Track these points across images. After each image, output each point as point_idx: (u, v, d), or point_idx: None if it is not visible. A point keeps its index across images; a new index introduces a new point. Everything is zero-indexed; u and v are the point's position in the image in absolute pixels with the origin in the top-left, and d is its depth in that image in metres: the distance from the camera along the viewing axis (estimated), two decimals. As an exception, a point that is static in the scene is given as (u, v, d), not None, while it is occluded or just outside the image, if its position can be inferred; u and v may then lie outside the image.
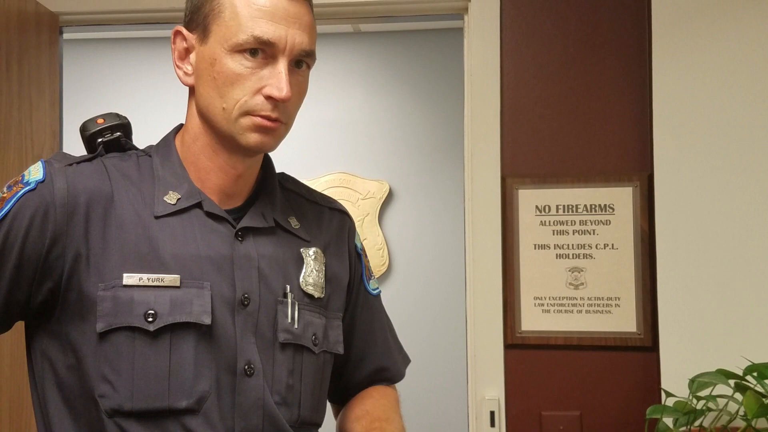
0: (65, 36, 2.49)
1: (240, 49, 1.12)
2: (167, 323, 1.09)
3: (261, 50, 1.12)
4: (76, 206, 1.11)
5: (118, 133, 1.22)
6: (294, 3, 1.14)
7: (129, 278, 1.10)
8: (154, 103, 3.78)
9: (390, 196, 3.82)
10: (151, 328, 1.09)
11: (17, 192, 1.11)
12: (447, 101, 3.82)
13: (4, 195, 1.12)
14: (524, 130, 2.22)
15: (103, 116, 1.23)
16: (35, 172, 1.13)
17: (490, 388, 2.18)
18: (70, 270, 1.10)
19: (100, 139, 1.21)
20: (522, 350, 2.18)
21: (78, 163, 1.16)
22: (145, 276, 1.10)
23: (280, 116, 1.14)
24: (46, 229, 1.10)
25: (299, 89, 1.17)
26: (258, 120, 1.13)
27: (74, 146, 2.40)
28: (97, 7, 2.42)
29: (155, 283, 1.10)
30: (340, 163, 3.80)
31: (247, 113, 1.13)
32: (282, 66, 1.12)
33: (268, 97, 1.12)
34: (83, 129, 1.22)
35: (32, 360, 1.16)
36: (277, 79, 1.12)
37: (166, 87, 3.90)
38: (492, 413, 2.16)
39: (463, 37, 2.34)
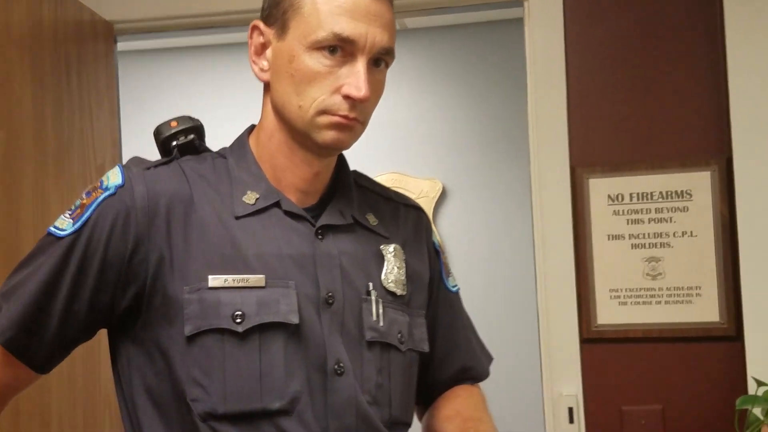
0: (119, 47, 2.54)
1: (319, 46, 1.11)
2: (255, 324, 1.09)
3: (340, 48, 1.11)
4: (156, 209, 1.12)
5: (192, 136, 1.23)
6: (375, 0, 1.13)
7: (214, 280, 1.10)
8: (210, 111, 3.84)
9: (443, 195, 3.81)
10: (240, 329, 1.09)
11: (97, 197, 1.13)
12: (498, 94, 3.79)
13: (84, 201, 1.14)
14: (593, 118, 2.19)
15: (176, 119, 1.24)
16: (114, 177, 1.14)
17: (567, 385, 2.16)
18: (154, 274, 1.11)
19: (174, 143, 1.21)
20: (599, 344, 2.16)
21: (156, 166, 1.18)
22: (230, 277, 1.11)
23: (357, 116, 1.14)
24: (128, 234, 1.11)
25: (377, 88, 1.16)
26: (335, 118, 1.13)
27: (133, 154, 2.44)
28: (150, 13, 2.46)
29: (241, 284, 1.10)
30: (392, 164, 3.81)
31: (324, 112, 1.13)
32: (361, 65, 1.11)
33: (346, 97, 1.12)
34: (157, 133, 1.23)
35: (118, 368, 1.17)
36: (355, 78, 1.11)
37: (221, 94, 3.96)
38: (570, 409, 2.15)
39: (522, 25, 2.32)
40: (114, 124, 2.21)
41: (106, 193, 1.13)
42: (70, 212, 1.14)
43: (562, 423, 2.15)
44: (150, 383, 1.13)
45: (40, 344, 1.13)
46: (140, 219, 1.11)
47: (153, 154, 1.27)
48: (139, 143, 2.60)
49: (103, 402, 1.92)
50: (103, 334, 1.20)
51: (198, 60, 4.11)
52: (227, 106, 3.71)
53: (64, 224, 1.13)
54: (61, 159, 1.79)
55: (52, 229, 1.14)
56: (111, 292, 1.12)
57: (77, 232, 1.11)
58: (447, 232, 3.73)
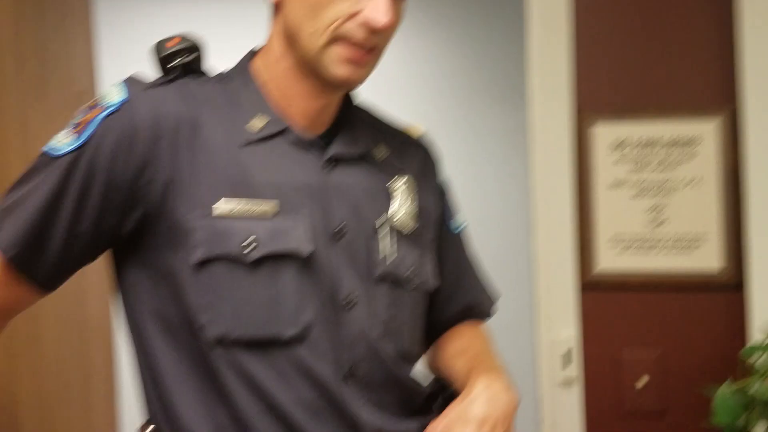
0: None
1: None
2: (267, 253, 1.08)
3: None
4: (162, 130, 1.08)
5: (195, 54, 1.17)
6: None
7: (223, 206, 1.08)
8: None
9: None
10: (251, 258, 1.08)
11: (99, 114, 1.08)
12: (493, 35, 3.68)
13: (85, 117, 1.09)
14: (598, 62, 2.17)
15: (178, 36, 1.18)
16: (116, 94, 1.10)
17: (563, 329, 2.18)
18: (160, 197, 1.08)
19: (175, 61, 1.15)
20: (598, 292, 2.17)
21: (159, 85, 1.13)
22: (239, 204, 1.08)
23: (378, 42, 1.11)
24: (135, 153, 1.07)
25: (398, 19, 1.12)
26: (350, 51, 1.09)
27: (111, 79, 2.39)
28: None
29: (251, 212, 1.09)
30: (377, 106, 3.78)
31: (338, 39, 1.09)
32: None
33: (365, 24, 1.08)
34: (157, 50, 1.16)
35: (123, 292, 1.16)
36: (378, 2, 1.07)
37: (207, 15, 3.78)
38: (566, 354, 2.17)
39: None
40: (89, 49, 2.15)
41: (109, 110, 1.09)
42: (68, 129, 1.11)
43: (557, 368, 2.17)
44: (157, 306, 1.12)
45: (45, 262, 1.11)
46: (146, 139, 1.07)
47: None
48: (117, 70, 2.56)
49: (92, 325, 1.94)
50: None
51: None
52: (214, 27, 3.56)
53: (63, 142, 1.09)
54: (42, 86, 1.76)
55: (49, 148, 1.10)
56: (115, 214, 1.09)
57: (79, 150, 1.08)
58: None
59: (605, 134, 2.14)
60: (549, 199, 2.19)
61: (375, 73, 1.18)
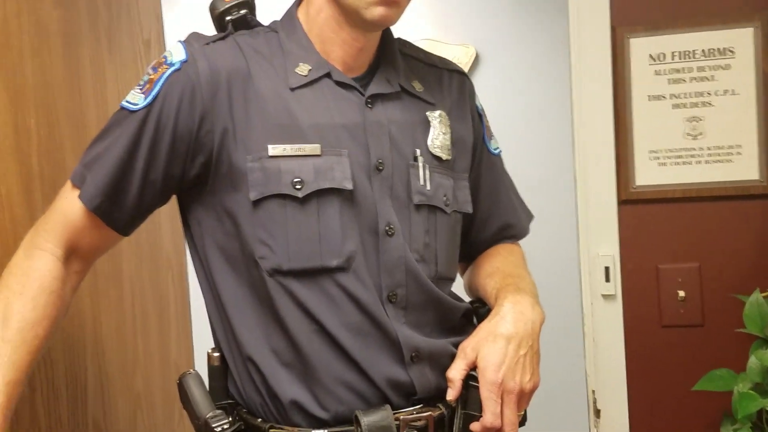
0: None
1: None
2: (313, 190, 1.19)
3: None
4: (218, 83, 1.20)
5: (245, 11, 1.30)
6: None
7: (274, 149, 1.20)
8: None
9: (477, 61, 3.81)
10: (300, 194, 1.19)
11: (164, 73, 1.21)
12: None
13: (152, 76, 1.22)
14: (634, -25, 2.18)
15: None
16: (177, 53, 1.22)
17: (604, 245, 2.25)
18: (219, 144, 1.20)
19: (228, 17, 1.29)
20: (637, 205, 2.22)
21: (214, 41, 1.25)
22: (288, 146, 1.20)
23: None
24: (196, 107, 1.20)
25: None
26: None
27: (177, 29, 2.44)
28: None
29: (298, 153, 1.20)
30: (424, 30, 3.79)
31: None
32: None
33: None
34: (212, 8, 1.30)
35: (190, 229, 1.29)
36: None
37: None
38: (607, 269, 2.24)
39: None
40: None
41: (172, 69, 1.21)
42: (139, 87, 1.23)
43: (599, 282, 2.24)
44: (220, 242, 1.24)
45: (123, 209, 1.24)
46: (205, 93, 1.20)
47: (190, 28, 1.33)
48: (180, 18, 2.63)
49: (165, 263, 2.07)
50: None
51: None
52: None
53: (136, 98, 1.22)
54: (113, 35, 1.84)
55: (125, 103, 1.23)
56: (182, 161, 1.22)
57: (149, 107, 1.20)
58: (481, 97, 3.73)
59: (642, 47, 2.16)
60: (588, 116, 2.23)
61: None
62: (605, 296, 2.24)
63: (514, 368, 1.18)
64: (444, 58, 1.46)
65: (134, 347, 1.89)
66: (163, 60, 1.23)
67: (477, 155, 1.43)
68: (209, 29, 1.33)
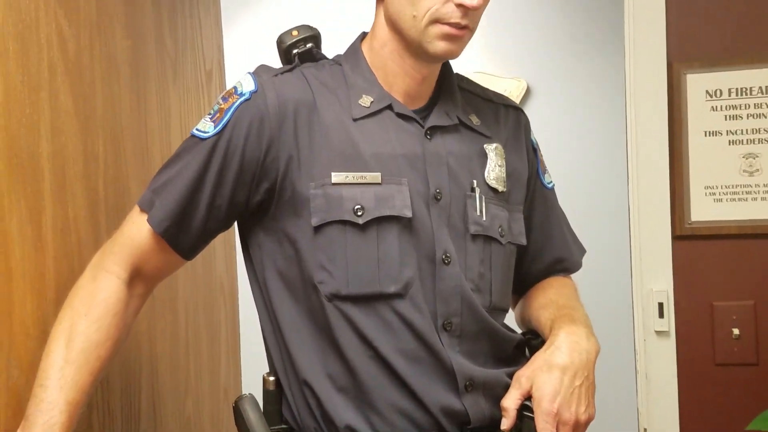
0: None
1: None
2: (374, 217, 1.25)
3: None
4: (285, 114, 1.27)
5: (310, 44, 1.37)
6: None
7: (337, 177, 1.25)
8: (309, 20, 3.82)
9: (528, 94, 3.84)
10: (361, 221, 1.25)
11: (234, 102, 1.28)
12: None
13: (222, 106, 1.29)
14: (691, 11, 2.20)
15: (297, 28, 1.38)
16: (247, 84, 1.29)
17: (657, 281, 2.25)
18: (284, 172, 1.27)
19: (295, 51, 1.36)
20: (692, 241, 2.22)
21: (282, 73, 1.32)
22: (350, 174, 1.26)
23: (468, 23, 1.25)
24: (263, 136, 1.26)
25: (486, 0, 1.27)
26: (446, 29, 1.25)
27: (235, 60, 2.51)
28: None
29: (359, 181, 1.26)
30: (476, 63, 3.84)
31: (437, 21, 1.25)
32: None
33: (459, 5, 1.23)
34: (280, 41, 1.38)
35: (251, 254, 1.35)
36: None
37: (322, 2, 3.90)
38: (660, 305, 2.24)
39: None
40: (219, 31, 2.32)
41: (242, 99, 1.28)
42: (210, 116, 1.30)
43: (652, 318, 2.24)
44: (280, 266, 1.30)
45: (189, 234, 1.30)
46: (272, 123, 1.26)
47: (253, 59, 1.41)
48: (239, 49, 2.71)
49: (218, 288, 2.13)
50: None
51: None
52: (327, 13, 3.65)
53: (206, 127, 1.29)
54: (177, 65, 1.91)
55: (196, 131, 1.29)
56: (247, 188, 1.28)
57: (218, 134, 1.27)
58: (533, 129, 3.75)
59: (699, 83, 2.18)
60: (643, 151, 2.24)
61: (479, 26, 1.31)
62: (658, 333, 2.24)
63: (570, 399, 1.20)
64: (500, 94, 1.51)
65: (186, 371, 1.94)
66: (233, 90, 1.30)
67: (531, 188, 1.47)
68: (267, 59, 1.40)
